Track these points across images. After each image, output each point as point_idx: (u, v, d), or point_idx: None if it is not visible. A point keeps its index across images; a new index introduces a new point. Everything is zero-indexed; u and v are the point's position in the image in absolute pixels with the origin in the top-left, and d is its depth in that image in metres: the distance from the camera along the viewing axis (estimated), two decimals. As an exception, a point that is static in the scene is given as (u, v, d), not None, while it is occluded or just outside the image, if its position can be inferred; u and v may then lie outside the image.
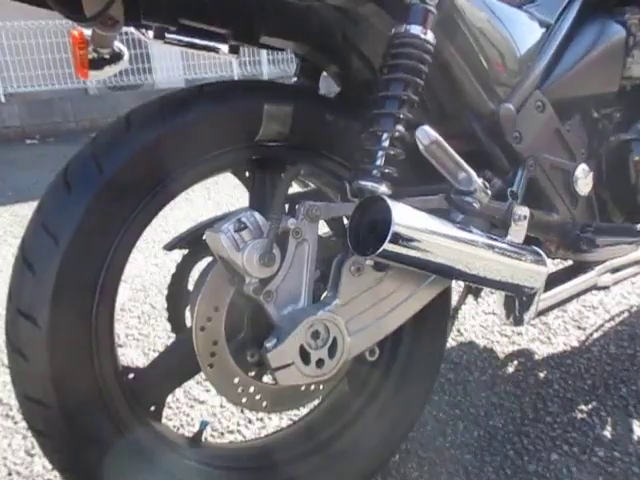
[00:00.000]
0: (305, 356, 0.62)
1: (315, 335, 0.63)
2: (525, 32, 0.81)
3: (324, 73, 0.88)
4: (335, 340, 0.63)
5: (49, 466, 0.92)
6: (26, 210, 2.36)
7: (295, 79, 0.87)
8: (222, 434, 0.97)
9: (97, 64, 0.79)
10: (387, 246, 0.57)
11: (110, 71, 0.82)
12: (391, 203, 0.57)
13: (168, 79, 5.04)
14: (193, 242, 0.74)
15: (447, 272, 0.67)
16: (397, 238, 0.57)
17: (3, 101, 4.42)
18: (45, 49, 4.44)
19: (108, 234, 0.61)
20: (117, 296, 0.65)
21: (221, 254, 0.63)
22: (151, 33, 0.75)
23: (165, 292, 0.75)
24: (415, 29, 0.65)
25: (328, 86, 0.93)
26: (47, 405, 0.59)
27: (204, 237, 0.68)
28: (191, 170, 0.67)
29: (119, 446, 0.63)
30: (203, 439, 0.72)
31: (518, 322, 0.91)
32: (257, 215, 0.63)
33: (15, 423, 1.04)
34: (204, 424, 0.73)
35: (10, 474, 0.91)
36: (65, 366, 0.59)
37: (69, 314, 0.59)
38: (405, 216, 0.58)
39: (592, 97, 0.90)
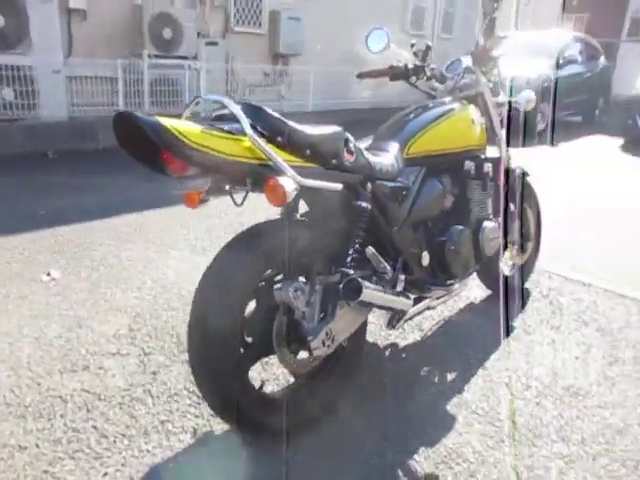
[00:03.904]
0: (324, 343, 1.46)
1: (327, 335, 1.47)
2: (397, 194, 1.74)
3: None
4: (334, 336, 1.48)
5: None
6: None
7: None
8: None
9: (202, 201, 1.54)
10: (360, 298, 1.44)
11: (206, 202, 1.57)
12: (360, 280, 1.44)
13: (52, 114, 5.33)
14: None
15: (373, 305, 1.57)
16: (362, 296, 1.44)
17: None
18: None
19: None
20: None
21: (287, 301, 1.44)
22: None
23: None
24: (362, 204, 1.54)
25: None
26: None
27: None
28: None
29: (236, 391, 1.40)
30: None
31: (392, 327, 1.85)
32: (304, 286, 1.45)
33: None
34: (263, 381, 1.52)
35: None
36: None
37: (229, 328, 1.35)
38: (365, 286, 1.46)
39: (429, 218, 1.87)
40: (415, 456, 1.53)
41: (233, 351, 1.38)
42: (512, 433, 1.65)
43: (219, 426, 1.60)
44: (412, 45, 2.19)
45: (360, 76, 2.24)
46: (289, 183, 1.27)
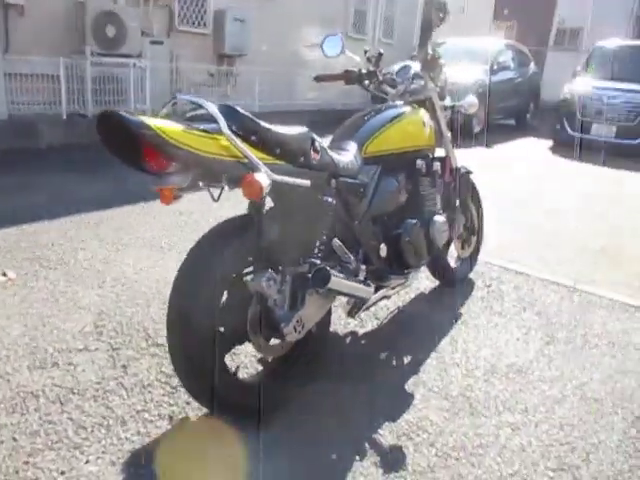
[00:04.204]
0: (295, 329, 1.56)
1: (298, 322, 1.57)
2: (357, 190, 1.87)
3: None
4: (304, 323, 1.59)
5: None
6: None
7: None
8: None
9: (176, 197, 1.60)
10: (328, 286, 1.55)
11: (179, 198, 1.64)
12: (330, 270, 1.56)
13: (-10, 111, 5.15)
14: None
15: (339, 293, 1.69)
16: (330, 283, 1.56)
17: None
18: None
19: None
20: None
21: (260, 291, 1.53)
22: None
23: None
24: (327, 199, 1.66)
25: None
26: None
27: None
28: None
29: (214, 375, 1.49)
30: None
31: (352, 316, 1.98)
32: (276, 276, 1.55)
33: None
34: (237, 367, 1.61)
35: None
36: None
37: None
38: (334, 274, 1.58)
39: (386, 212, 2.01)
40: (379, 430, 1.66)
41: (210, 339, 1.46)
42: (464, 406, 1.81)
43: (194, 412, 1.67)
44: (366, 51, 2.34)
45: (317, 79, 2.36)
46: (264, 178, 1.37)
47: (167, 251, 2.95)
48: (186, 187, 1.52)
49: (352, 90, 8.92)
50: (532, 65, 10.18)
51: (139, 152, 1.30)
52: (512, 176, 5.91)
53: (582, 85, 7.97)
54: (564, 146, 7.94)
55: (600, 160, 6.99)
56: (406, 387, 1.90)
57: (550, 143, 8.45)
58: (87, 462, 1.45)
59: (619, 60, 8.03)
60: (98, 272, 2.62)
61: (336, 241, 1.68)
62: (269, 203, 1.72)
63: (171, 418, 1.64)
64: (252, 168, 1.39)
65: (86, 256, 2.80)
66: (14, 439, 1.51)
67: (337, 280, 1.60)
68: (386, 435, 1.64)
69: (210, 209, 3.38)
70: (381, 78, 2.30)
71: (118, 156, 1.34)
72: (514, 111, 9.74)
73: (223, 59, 7.67)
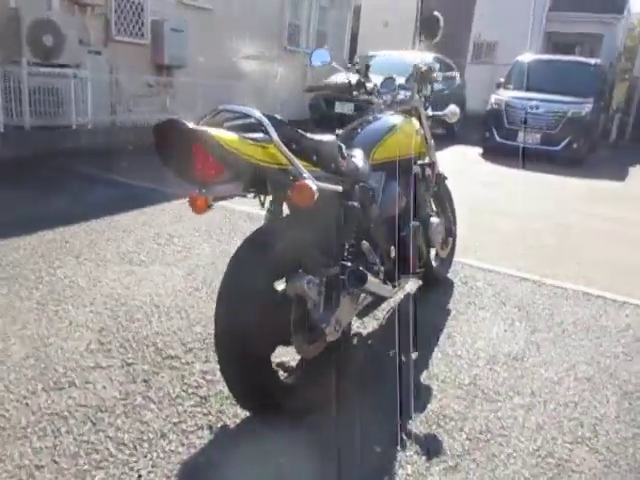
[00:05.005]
0: (335, 329, 1.62)
1: (336, 322, 1.63)
2: (371, 194, 1.96)
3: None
4: (341, 322, 1.65)
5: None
6: None
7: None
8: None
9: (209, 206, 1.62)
10: (365, 287, 1.62)
11: (211, 207, 1.65)
12: (365, 271, 1.63)
13: None
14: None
15: (369, 293, 1.76)
16: (366, 283, 1.64)
17: None
18: None
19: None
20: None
21: (301, 294, 1.58)
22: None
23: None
24: (354, 203, 1.73)
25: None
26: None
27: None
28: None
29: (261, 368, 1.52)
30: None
31: (361, 317, 2.07)
32: (314, 278, 1.61)
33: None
34: (276, 370, 1.64)
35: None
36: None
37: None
38: (369, 275, 1.65)
39: (392, 215, 2.12)
40: (410, 421, 1.75)
41: (257, 344, 1.49)
42: (478, 394, 1.94)
43: (231, 420, 1.68)
44: (355, 63, 2.45)
45: (309, 90, 2.46)
46: (313, 185, 1.43)
47: (149, 265, 2.89)
48: (221, 196, 1.56)
49: (290, 101, 9.03)
50: (458, 77, 10.78)
51: (193, 161, 1.32)
52: (453, 181, 6.23)
53: (507, 96, 8.57)
54: (493, 152, 8.48)
55: (527, 165, 7.53)
56: (422, 380, 2.00)
57: (480, 150, 8.99)
58: (139, 477, 1.43)
59: (537, 73, 8.70)
60: (84, 289, 2.53)
61: (365, 243, 1.76)
62: (285, 210, 1.78)
63: (211, 427, 1.64)
64: (296, 175, 1.45)
65: (66, 274, 2.69)
66: (55, 462, 1.46)
67: (370, 280, 1.68)
68: (419, 425, 1.73)
69: (180, 221, 3.34)
70: (368, 89, 2.41)
71: (169, 165, 1.36)
72: (444, 120, 10.24)
73: (162, 70, 7.53)
